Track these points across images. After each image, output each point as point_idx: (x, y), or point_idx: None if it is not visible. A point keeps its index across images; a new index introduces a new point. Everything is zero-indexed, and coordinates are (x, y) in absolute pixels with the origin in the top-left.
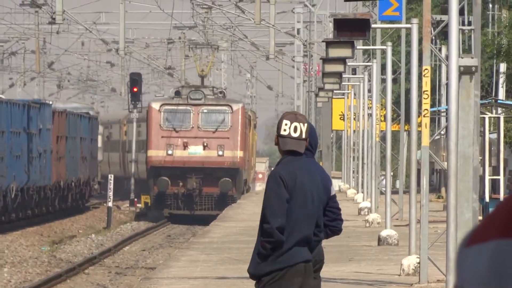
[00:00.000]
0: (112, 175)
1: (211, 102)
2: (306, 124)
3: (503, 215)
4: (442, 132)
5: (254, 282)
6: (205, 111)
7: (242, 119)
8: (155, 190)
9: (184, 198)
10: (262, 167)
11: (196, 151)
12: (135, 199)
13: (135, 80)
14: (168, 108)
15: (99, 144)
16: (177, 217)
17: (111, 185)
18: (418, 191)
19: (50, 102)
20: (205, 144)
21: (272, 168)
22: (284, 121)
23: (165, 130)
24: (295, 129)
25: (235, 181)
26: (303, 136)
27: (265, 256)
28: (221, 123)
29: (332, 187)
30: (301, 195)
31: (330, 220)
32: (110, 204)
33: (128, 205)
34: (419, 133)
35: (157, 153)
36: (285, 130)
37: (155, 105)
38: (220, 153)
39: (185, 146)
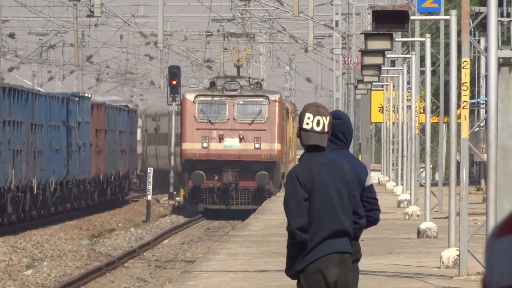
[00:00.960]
0: (152, 168)
1: (247, 93)
2: (328, 117)
3: None
4: (482, 124)
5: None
6: (241, 102)
7: (279, 111)
8: (190, 184)
9: (220, 192)
10: None
11: (232, 143)
12: (174, 192)
13: (174, 73)
14: (203, 100)
15: (138, 137)
16: (213, 212)
17: (150, 179)
18: (458, 183)
19: (89, 95)
20: (241, 137)
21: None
22: (307, 115)
23: (200, 122)
24: (318, 123)
25: (272, 174)
26: (326, 129)
27: (294, 257)
28: (257, 115)
29: (369, 177)
30: (322, 191)
31: (366, 210)
32: (149, 197)
33: (167, 198)
34: (459, 125)
35: (192, 146)
36: (307, 123)
37: (190, 96)
38: (257, 145)
39: (220, 139)
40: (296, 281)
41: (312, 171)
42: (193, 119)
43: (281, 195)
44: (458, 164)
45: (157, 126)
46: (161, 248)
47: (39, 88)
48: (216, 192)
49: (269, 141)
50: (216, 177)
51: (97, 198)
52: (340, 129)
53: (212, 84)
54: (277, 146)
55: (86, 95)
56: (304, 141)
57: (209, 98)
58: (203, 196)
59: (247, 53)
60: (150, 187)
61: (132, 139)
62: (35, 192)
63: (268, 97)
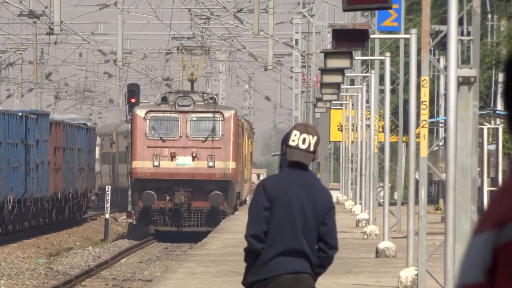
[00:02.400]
0: (110, 187)
1: (200, 109)
2: (315, 137)
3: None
4: (441, 143)
5: None
6: (194, 118)
7: (234, 127)
8: (140, 205)
9: (171, 213)
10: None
11: (184, 162)
12: (132, 211)
13: (133, 91)
14: (154, 116)
15: (97, 155)
16: (164, 234)
17: (108, 197)
18: (416, 202)
19: (48, 113)
20: (194, 155)
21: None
22: (294, 132)
23: (150, 139)
24: (304, 141)
25: (226, 194)
26: (311, 148)
27: (249, 266)
28: (211, 132)
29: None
30: (285, 205)
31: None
32: (107, 216)
33: (125, 217)
34: (418, 144)
35: (142, 165)
36: (293, 140)
37: (140, 112)
38: (211, 164)
39: (172, 157)
40: None
41: (280, 184)
42: (143, 136)
43: (239, 213)
44: (417, 183)
45: (101, 145)
46: (118, 267)
47: None
48: (168, 213)
49: (224, 159)
50: (168, 197)
51: (55, 216)
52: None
53: (164, 99)
54: (232, 164)
55: (45, 112)
56: (288, 157)
57: (161, 114)
58: (154, 217)
59: (201, 66)
60: (108, 205)
61: (91, 157)
62: None
63: (222, 113)
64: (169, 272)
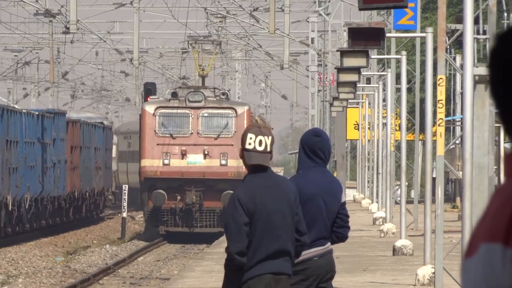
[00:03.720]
0: (127, 186)
1: (212, 104)
2: (270, 137)
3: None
4: (457, 142)
5: None
6: (205, 115)
7: (248, 124)
8: (150, 205)
9: (183, 213)
10: None
11: (195, 160)
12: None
13: (149, 89)
14: (164, 112)
15: (114, 154)
16: (174, 235)
17: (125, 196)
18: (433, 201)
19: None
20: (206, 153)
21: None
22: (249, 135)
23: (160, 136)
24: (260, 143)
25: None
26: (268, 149)
27: (229, 275)
28: (224, 129)
29: (343, 194)
30: (264, 214)
31: (337, 227)
32: (124, 214)
33: (142, 215)
34: (434, 142)
35: (151, 163)
36: (250, 143)
37: (149, 109)
38: (223, 162)
39: (183, 155)
40: None
41: (254, 195)
42: (153, 133)
43: None
44: (433, 181)
45: (128, 143)
46: (136, 265)
47: (14, 105)
48: (179, 214)
49: (237, 157)
50: (179, 197)
51: (72, 215)
52: (320, 146)
53: (174, 95)
54: None
55: (61, 111)
56: (246, 161)
57: (171, 110)
58: (164, 218)
59: (212, 61)
60: (125, 204)
61: (107, 156)
62: (10, 208)
63: (235, 109)
64: (186, 270)
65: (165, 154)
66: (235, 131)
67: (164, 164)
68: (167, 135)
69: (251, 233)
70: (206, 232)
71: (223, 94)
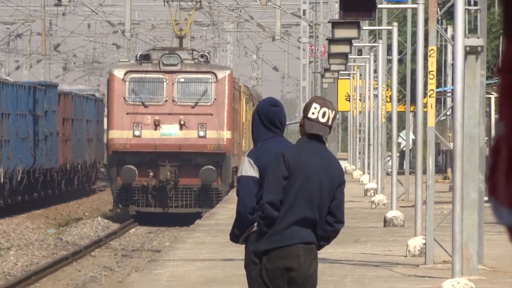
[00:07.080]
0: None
1: (189, 68)
2: (334, 112)
3: None
4: (448, 113)
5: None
6: (182, 80)
7: (229, 90)
8: (119, 182)
9: (156, 192)
10: None
11: (170, 131)
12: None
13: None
14: (134, 77)
15: (105, 126)
16: (147, 215)
17: None
18: (424, 172)
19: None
20: (182, 123)
21: None
22: (314, 105)
23: (130, 104)
24: (324, 114)
25: (220, 169)
26: (330, 123)
27: (262, 233)
28: (202, 96)
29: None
30: (303, 175)
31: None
32: None
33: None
34: (425, 114)
35: (120, 135)
36: (313, 113)
37: (118, 73)
38: (202, 134)
39: (156, 125)
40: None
41: (301, 156)
42: (122, 101)
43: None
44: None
45: None
46: (127, 237)
47: (6, 77)
48: (151, 192)
49: (217, 128)
50: (151, 173)
51: (64, 187)
52: (278, 116)
53: (146, 57)
54: (226, 134)
55: (53, 83)
56: (306, 129)
57: (142, 75)
58: (135, 197)
59: (191, 20)
60: None
61: (99, 128)
62: (1, 181)
63: (215, 74)
64: (178, 242)
65: (136, 124)
66: (215, 99)
67: (134, 136)
68: (138, 103)
69: (286, 191)
70: (182, 213)
71: (202, 56)
